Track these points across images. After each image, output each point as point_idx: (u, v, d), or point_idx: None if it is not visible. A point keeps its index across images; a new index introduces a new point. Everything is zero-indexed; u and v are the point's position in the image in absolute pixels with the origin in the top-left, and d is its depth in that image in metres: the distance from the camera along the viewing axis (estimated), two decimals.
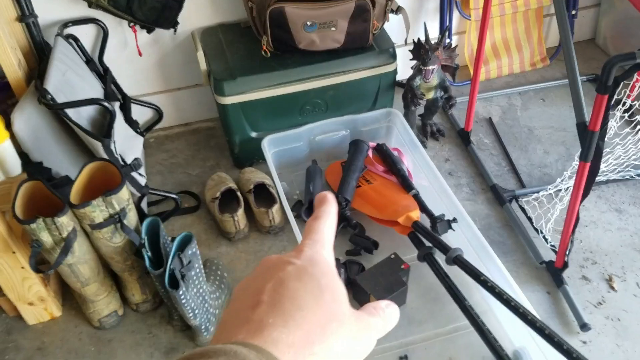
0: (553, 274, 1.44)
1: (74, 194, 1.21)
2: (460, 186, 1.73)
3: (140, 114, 1.91)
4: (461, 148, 1.85)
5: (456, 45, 1.65)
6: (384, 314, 0.39)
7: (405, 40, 1.71)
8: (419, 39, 1.64)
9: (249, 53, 1.67)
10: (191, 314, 1.23)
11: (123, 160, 1.49)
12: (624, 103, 1.45)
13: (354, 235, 1.55)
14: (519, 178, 1.72)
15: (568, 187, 1.47)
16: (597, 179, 1.61)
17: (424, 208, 1.53)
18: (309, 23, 1.54)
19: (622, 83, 1.07)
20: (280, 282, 0.36)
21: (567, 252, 1.38)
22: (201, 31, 1.78)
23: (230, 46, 1.71)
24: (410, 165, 1.70)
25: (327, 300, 0.36)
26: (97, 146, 1.41)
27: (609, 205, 1.63)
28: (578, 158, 1.21)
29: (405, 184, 1.61)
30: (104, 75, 1.73)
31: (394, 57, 1.67)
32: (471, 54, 2.00)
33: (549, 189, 1.57)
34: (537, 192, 1.61)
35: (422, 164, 1.63)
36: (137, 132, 1.78)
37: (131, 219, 1.27)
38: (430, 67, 1.60)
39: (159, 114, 1.94)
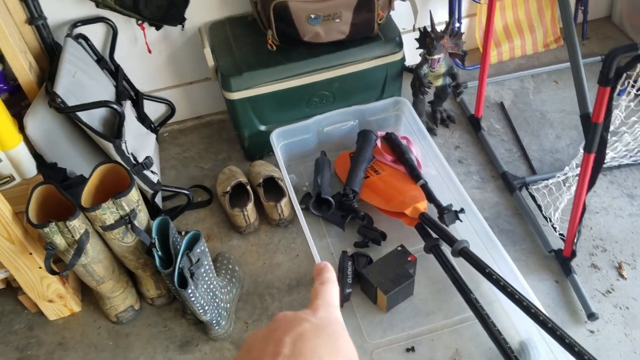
0: (561, 262, 1.44)
1: (85, 197, 1.25)
2: (470, 174, 1.73)
3: (154, 109, 1.94)
4: (472, 134, 1.83)
5: (462, 33, 1.63)
6: None
7: (414, 27, 1.69)
8: (424, 27, 1.62)
9: (256, 47, 1.68)
10: (201, 310, 1.27)
11: (135, 159, 1.52)
12: (629, 93, 1.42)
13: (362, 227, 1.57)
14: (529, 164, 1.71)
15: (576, 175, 1.45)
16: (609, 164, 1.60)
17: (431, 198, 1.54)
18: (312, 16, 1.53)
19: (625, 74, 1.05)
20: (299, 337, 0.38)
21: (575, 241, 1.37)
22: (209, 25, 1.79)
23: (237, 40, 1.72)
24: (419, 154, 1.70)
25: (342, 357, 0.38)
26: (109, 146, 1.44)
27: (620, 191, 1.60)
28: (582, 149, 1.20)
29: (414, 173, 1.61)
30: (115, 73, 1.76)
31: (400, 45, 1.66)
32: (482, 36, 1.97)
33: (558, 176, 1.55)
34: (547, 179, 1.59)
35: (430, 153, 1.63)
36: (150, 128, 1.81)
37: (142, 219, 1.31)
38: (436, 56, 1.59)
39: (171, 109, 1.97)
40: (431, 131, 1.84)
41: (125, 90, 1.77)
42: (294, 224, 1.65)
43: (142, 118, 1.78)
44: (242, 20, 1.79)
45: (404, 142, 1.69)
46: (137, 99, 1.83)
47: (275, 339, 0.38)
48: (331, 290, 0.45)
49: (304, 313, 0.41)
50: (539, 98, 1.91)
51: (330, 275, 0.47)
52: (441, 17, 1.95)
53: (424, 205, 1.52)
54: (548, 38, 2.03)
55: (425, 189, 1.56)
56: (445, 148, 1.80)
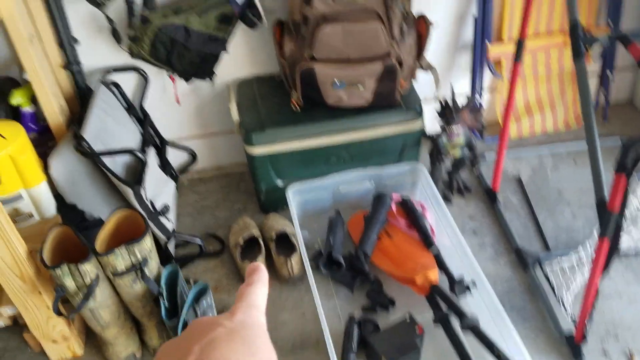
0: (572, 346, 1.40)
1: (100, 241, 1.27)
2: (484, 246, 1.72)
3: (176, 156, 1.99)
4: (487, 206, 1.83)
5: (482, 108, 1.66)
6: None
7: (435, 97, 1.73)
8: (445, 99, 1.66)
9: (280, 105, 1.73)
10: None
11: (152, 205, 1.55)
12: None
13: (371, 291, 1.56)
14: (544, 241, 1.69)
15: (590, 258, 1.44)
16: (627, 251, 1.58)
17: (443, 267, 1.53)
18: (337, 82, 1.58)
19: None
20: (209, 343, 0.35)
21: (586, 327, 1.34)
22: (237, 82, 1.85)
23: (263, 98, 1.77)
24: (434, 222, 1.70)
25: None
26: (128, 192, 1.47)
27: (636, 277, 1.58)
28: (597, 233, 1.19)
29: (427, 241, 1.61)
30: (143, 120, 1.81)
31: (420, 114, 1.69)
32: (503, 111, 2.00)
33: (572, 256, 1.54)
34: (561, 258, 1.57)
35: (444, 221, 1.63)
36: (171, 174, 1.85)
37: (152, 267, 1.32)
38: (455, 129, 1.61)
39: (193, 157, 2.01)
40: (447, 199, 1.84)
41: (151, 137, 1.82)
42: (302, 282, 1.64)
43: (164, 165, 1.82)
44: (269, 79, 1.85)
45: (419, 208, 1.69)
46: (162, 146, 1.88)
47: (183, 347, 0.36)
48: (256, 291, 0.42)
49: (221, 317, 0.39)
50: (557, 175, 1.91)
51: (260, 276, 0.44)
52: (463, 87, 1.99)
53: (435, 274, 1.51)
54: (569, 117, 2.05)
55: (438, 257, 1.56)
56: (460, 217, 1.80)
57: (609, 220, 1.12)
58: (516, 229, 1.74)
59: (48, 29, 1.53)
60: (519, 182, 1.90)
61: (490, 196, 1.84)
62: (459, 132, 1.63)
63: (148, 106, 1.83)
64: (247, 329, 0.38)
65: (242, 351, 0.35)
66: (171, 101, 1.86)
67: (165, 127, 1.91)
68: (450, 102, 1.63)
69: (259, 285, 0.43)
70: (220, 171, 2.07)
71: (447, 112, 1.61)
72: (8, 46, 1.62)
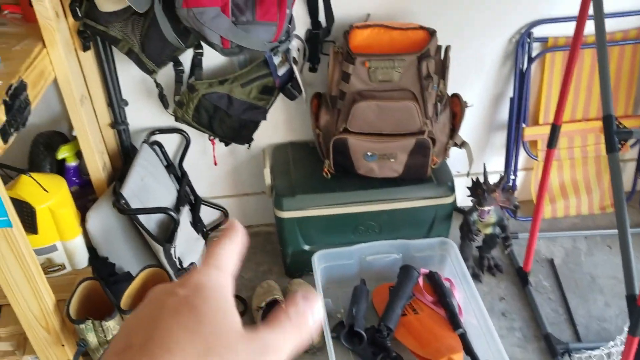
0: None
1: (126, 298, 1.29)
2: (513, 330, 1.66)
3: (208, 214, 2.03)
4: (518, 288, 1.79)
5: (515, 189, 1.65)
6: (298, 318, 0.35)
7: (468, 173, 1.73)
8: (477, 178, 1.66)
9: (312, 171, 1.76)
10: None
11: (180, 263, 1.58)
12: None
13: None
14: (575, 329, 1.63)
15: (620, 352, 1.38)
16: None
17: (469, 351, 1.49)
18: (369, 153, 1.61)
19: None
20: (153, 320, 0.32)
21: None
22: (273, 147, 1.91)
23: (296, 164, 1.81)
24: (461, 300, 1.66)
25: (206, 332, 0.31)
26: (159, 249, 1.51)
27: None
28: (627, 329, 1.14)
29: (453, 320, 1.57)
30: (180, 178, 1.87)
31: (452, 190, 1.69)
32: (537, 191, 1.98)
33: (602, 350, 1.47)
34: (592, 349, 1.51)
35: (472, 301, 1.59)
36: (202, 232, 1.89)
37: None
38: (486, 208, 1.61)
39: (224, 216, 2.05)
40: (476, 277, 1.81)
41: (187, 195, 1.87)
42: (322, 353, 1.61)
43: (196, 222, 1.86)
44: (303, 146, 1.90)
45: (447, 284, 1.67)
46: (196, 203, 1.93)
47: (131, 326, 0.32)
48: (221, 251, 0.37)
49: (175, 284, 0.34)
50: (590, 261, 1.86)
51: (230, 233, 0.39)
52: (497, 165, 1.99)
53: (460, 358, 1.47)
54: (605, 201, 2.01)
55: (464, 339, 1.51)
56: (489, 297, 1.76)
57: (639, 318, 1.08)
58: (547, 314, 1.68)
59: (100, 90, 1.62)
60: (552, 264, 1.85)
61: (521, 277, 1.80)
62: (491, 212, 1.62)
63: (187, 165, 1.90)
64: (198, 292, 0.33)
65: (185, 322, 0.31)
66: (209, 162, 1.92)
67: (201, 185, 1.97)
68: (482, 182, 1.62)
69: (227, 243, 0.38)
70: (248, 230, 2.09)
71: (479, 192, 1.61)
72: (60, 103, 1.72)
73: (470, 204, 1.73)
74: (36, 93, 1.30)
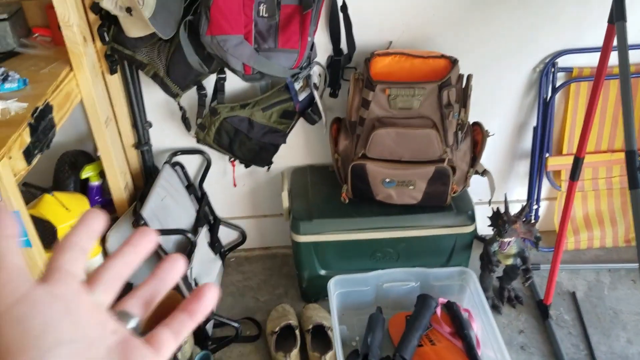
0: None
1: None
2: None
3: (226, 234, 2.05)
4: (538, 321, 1.75)
5: (537, 219, 1.62)
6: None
7: (489, 202, 1.71)
8: (497, 208, 1.63)
9: (330, 196, 1.76)
10: None
11: (196, 284, 1.59)
12: None
13: None
14: None
15: None
16: None
17: None
18: (388, 180, 1.60)
19: None
20: None
21: None
22: (292, 170, 1.91)
23: (314, 187, 1.81)
24: (480, 331, 1.63)
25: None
26: None
27: None
28: None
29: (470, 353, 1.54)
30: (200, 199, 1.89)
31: (472, 219, 1.67)
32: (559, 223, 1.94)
33: None
34: None
35: (491, 333, 1.56)
36: (220, 252, 1.90)
37: (186, 351, 1.33)
38: (507, 240, 1.58)
39: (242, 237, 2.06)
40: (496, 309, 1.78)
41: (205, 215, 1.89)
42: None
43: (214, 243, 1.88)
44: (322, 169, 1.90)
45: (465, 315, 1.64)
46: (214, 223, 1.95)
47: None
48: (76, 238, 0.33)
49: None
50: (614, 295, 1.81)
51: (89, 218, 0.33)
52: (519, 195, 1.96)
53: None
54: (630, 234, 1.96)
55: None
56: (508, 330, 1.72)
57: None
58: (567, 349, 1.64)
59: (125, 111, 1.66)
60: (574, 297, 1.81)
61: (542, 310, 1.76)
62: (512, 243, 1.60)
63: (207, 185, 1.92)
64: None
65: None
66: (229, 183, 1.94)
67: (220, 205, 1.98)
68: (503, 213, 1.60)
69: (81, 231, 0.33)
70: (266, 252, 2.10)
71: (500, 222, 1.58)
72: (86, 124, 1.76)
73: (491, 232, 1.71)
74: (62, 115, 1.33)
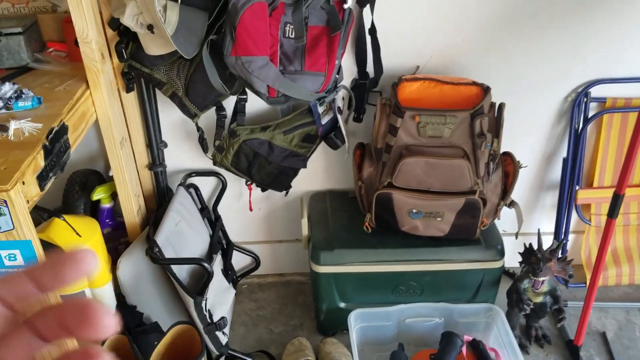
0: None
1: (154, 356, 1.22)
2: None
3: (239, 259, 1.96)
4: None
5: (571, 260, 1.54)
6: None
7: (516, 235, 1.63)
8: (530, 245, 1.56)
9: (351, 225, 1.68)
10: None
11: (210, 317, 1.50)
12: None
13: None
14: None
15: None
16: None
17: None
18: (414, 210, 1.53)
19: None
20: None
21: None
22: (310, 194, 1.84)
23: (335, 214, 1.74)
24: None
25: None
26: (189, 301, 1.44)
27: None
28: None
29: None
30: (214, 222, 1.81)
31: (501, 254, 1.59)
32: (588, 256, 1.86)
33: None
34: None
35: None
36: (233, 279, 1.81)
37: None
38: (541, 279, 1.50)
39: (256, 262, 1.98)
40: (523, 348, 1.69)
41: (219, 240, 1.81)
42: None
43: (227, 270, 1.79)
44: (342, 195, 1.82)
45: (492, 354, 1.55)
46: (228, 249, 1.87)
47: None
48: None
49: None
50: None
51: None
52: (545, 226, 1.89)
53: None
54: None
55: None
56: None
57: None
58: None
59: (140, 131, 1.59)
60: (604, 338, 1.72)
61: (571, 351, 1.67)
62: (545, 281, 1.51)
63: (221, 207, 1.84)
64: None
65: None
66: (243, 206, 1.86)
67: (233, 230, 1.91)
68: (537, 250, 1.52)
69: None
70: (280, 279, 2.02)
71: (534, 260, 1.50)
72: (98, 141, 1.69)
73: (518, 265, 1.63)
74: (77, 136, 1.26)
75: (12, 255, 1.05)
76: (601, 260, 1.49)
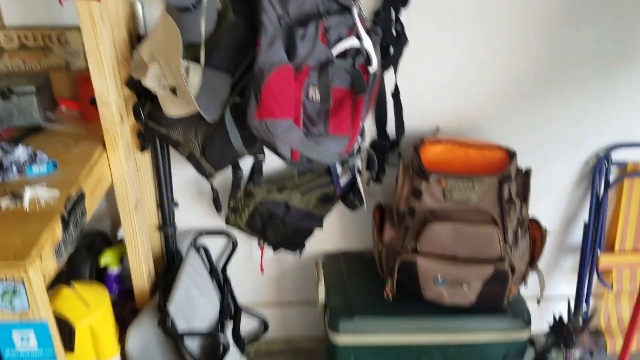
0: None
1: None
2: None
3: (246, 322, 1.87)
4: None
5: (603, 334, 1.48)
6: None
7: (538, 301, 1.57)
8: (560, 316, 1.50)
9: (370, 290, 1.61)
10: None
11: None
12: None
13: None
14: None
15: None
16: None
17: None
18: (440, 278, 1.47)
19: None
20: None
21: None
22: (324, 256, 1.77)
23: (352, 278, 1.66)
24: None
25: None
26: None
27: None
28: None
29: None
30: (223, 286, 1.73)
31: (528, 323, 1.53)
32: (607, 322, 1.80)
33: None
34: None
35: None
36: (243, 346, 1.72)
37: None
38: (575, 354, 1.44)
39: (264, 326, 1.88)
40: None
41: (229, 306, 1.72)
42: None
43: (237, 338, 1.69)
44: (357, 257, 1.76)
45: None
46: (237, 314, 1.77)
47: None
48: None
49: None
50: None
51: None
52: (564, 289, 1.84)
53: None
54: None
55: None
56: None
57: None
58: None
59: (152, 191, 1.52)
60: None
61: None
62: (578, 357, 1.45)
63: (230, 267, 1.76)
64: None
65: None
66: (253, 267, 1.79)
67: (241, 291, 1.83)
68: (568, 322, 1.46)
69: None
70: (289, 345, 1.92)
71: (565, 333, 1.44)
72: (105, 200, 1.61)
73: (541, 332, 1.56)
74: (93, 201, 1.19)
75: (25, 337, 0.96)
76: (633, 329, 1.44)
